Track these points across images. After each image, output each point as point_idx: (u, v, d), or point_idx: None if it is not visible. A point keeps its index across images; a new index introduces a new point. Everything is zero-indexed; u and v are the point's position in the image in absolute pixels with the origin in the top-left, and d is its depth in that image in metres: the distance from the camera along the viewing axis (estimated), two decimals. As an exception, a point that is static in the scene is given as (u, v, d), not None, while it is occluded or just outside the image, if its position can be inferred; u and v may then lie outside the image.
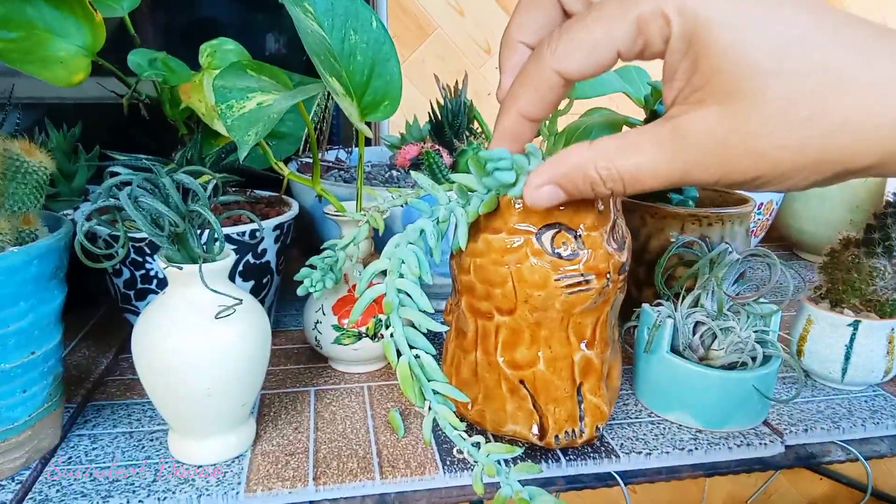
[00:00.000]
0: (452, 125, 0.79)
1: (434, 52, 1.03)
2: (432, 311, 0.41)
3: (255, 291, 0.60)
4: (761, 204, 0.81)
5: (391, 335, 0.41)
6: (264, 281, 0.61)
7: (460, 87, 0.80)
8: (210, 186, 0.41)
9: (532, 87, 0.31)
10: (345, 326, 0.57)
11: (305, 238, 0.77)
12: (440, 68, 1.03)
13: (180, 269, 0.41)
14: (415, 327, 0.41)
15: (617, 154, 0.29)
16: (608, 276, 0.45)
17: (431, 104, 0.79)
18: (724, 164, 0.26)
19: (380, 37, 0.53)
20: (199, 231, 0.44)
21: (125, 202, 0.37)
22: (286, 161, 0.80)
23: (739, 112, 0.25)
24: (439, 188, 0.45)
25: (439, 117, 0.79)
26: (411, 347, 0.41)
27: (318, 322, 0.58)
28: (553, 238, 0.44)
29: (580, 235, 0.44)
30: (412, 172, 0.44)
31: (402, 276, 0.42)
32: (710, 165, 0.27)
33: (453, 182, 0.46)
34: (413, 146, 0.69)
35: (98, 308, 0.74)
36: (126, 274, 0.57)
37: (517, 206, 0.44)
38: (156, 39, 1.01)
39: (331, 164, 0.80)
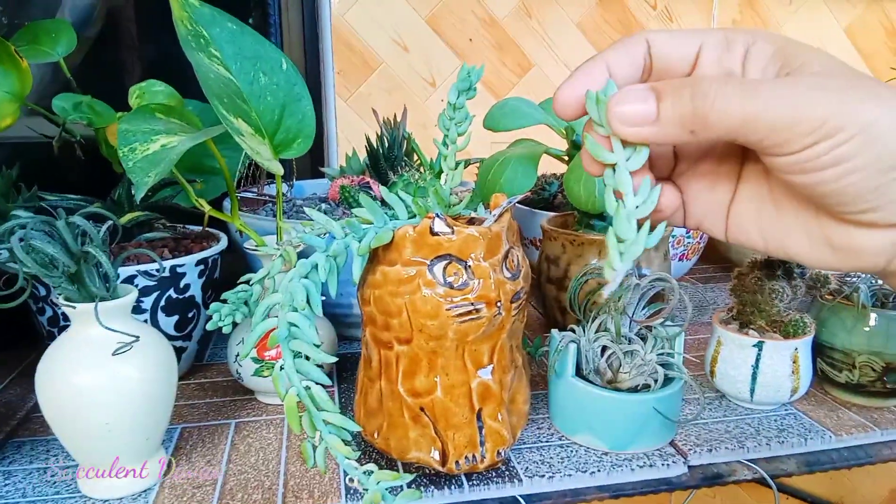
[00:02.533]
0: (388, 158, 0.82)
1: (380, 86, 1.06)
2: (320, 343, 0.42)
3: (180, 326, 0.62)
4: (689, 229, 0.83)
5: (281, 367, 0.42)
6: (190, 315, 0.62)
7: (399, 120, 0.82)
8: (104, 228, 0.42)
9: (622, 45, 0.32)
10: (264, 359, 0.58)
11: (243, 272, 0.78)
12: (386, 101, 1.05)
13: (73, 307, 0.42)
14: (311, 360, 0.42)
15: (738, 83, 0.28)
16: (499, 304, 0.46)
17: (367, 137, 0.82)
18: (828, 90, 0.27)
19: (290, 78, 0.55)
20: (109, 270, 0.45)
21: (14, 245, 0.39)
22: (222, 196, 0.82)
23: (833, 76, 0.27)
24: (333, 223, 0.47)
25: (376, 150, 0.82)
26: (303, 379, 0.42)
27: (238, 355, 0.59)
28: (444, 269, 0.46)
29: (470, 266, 0.46)
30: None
31: (295, 309, 0.44)
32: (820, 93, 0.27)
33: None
34: (343, 179, 0.71)
35: (37, 347, 0.75)
36: (49, 312, 0.58)
37: (409, 234, 0.46)
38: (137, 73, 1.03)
39: (269, 198, 0.82)
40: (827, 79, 0.27)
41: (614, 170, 0.31)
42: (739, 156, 0.34)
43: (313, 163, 1.08)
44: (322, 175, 1.09)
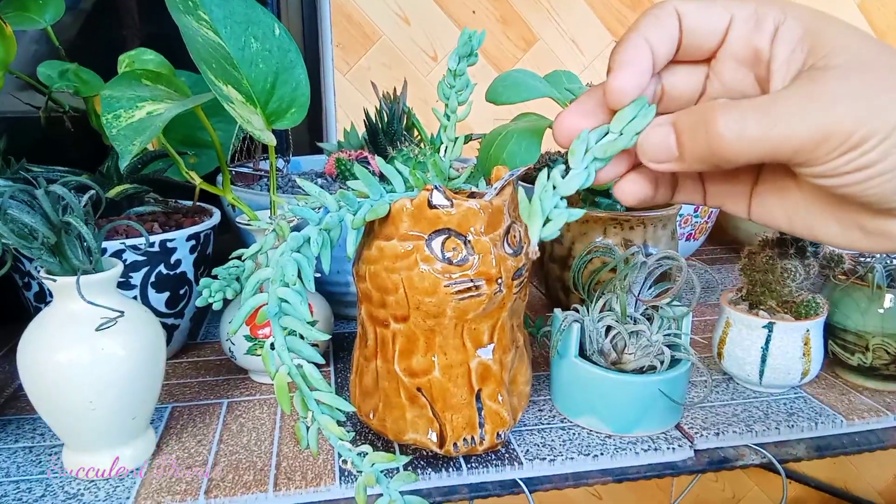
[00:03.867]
0: (387, 132, 0.79)
1: (379, 59, 1.03)
2: (312, 320, 0.40)
3: (171, 303, 0.60)
4: (698, 207, 0.80)
5: (272, 345, 0.40)
6: (181, 292, 0.61)
7: (399, 94, 0.80)
8: (85, 197, 0.40)
9: (655, 19, 0.30)
10: (257, 337, 0.56)
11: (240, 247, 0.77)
12: (386, 75, 1.03)
13: (54, 280, 0.40)
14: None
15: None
16: (499, 281, 0.44)
17: (366, 111, 0.79)
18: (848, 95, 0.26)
19: (283, 44, 0.53)
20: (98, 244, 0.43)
21: (-11, 214, 0.37)
22: (217, 171, 0.79)
23: (865, 70, 0.26)
24: (328, 196, 0.45)
25: (374, 124, 0.79)
26: (295, 357, 0.40)
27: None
28: (443, 244, 0.44)
29: (469, 241, 0.44)
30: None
31: (286, 284, 0.42)
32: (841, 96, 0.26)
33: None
34: (340, 153, 0.69)
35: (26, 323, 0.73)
36: (35, 287, 0.57)
37: (407, 207, 0.44)
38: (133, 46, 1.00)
39: (264, 174, 0.80)
40: (852, 77, 0.26)
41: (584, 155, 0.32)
42: None
43: (311, 138, 1.06)
44: (320, 151, 1.07)
